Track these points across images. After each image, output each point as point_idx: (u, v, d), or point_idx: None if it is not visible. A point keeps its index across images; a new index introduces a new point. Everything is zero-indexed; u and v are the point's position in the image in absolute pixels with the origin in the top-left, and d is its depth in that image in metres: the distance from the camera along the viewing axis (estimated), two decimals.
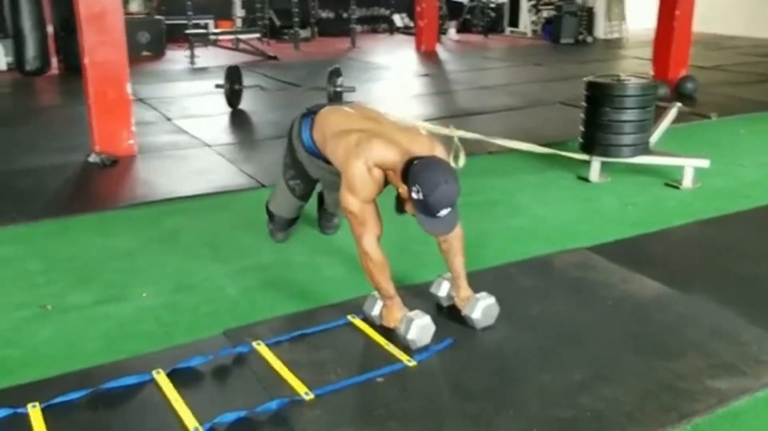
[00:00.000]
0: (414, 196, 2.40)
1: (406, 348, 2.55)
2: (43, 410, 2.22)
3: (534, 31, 14.30)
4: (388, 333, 2.65)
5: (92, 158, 5.03)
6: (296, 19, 12.64)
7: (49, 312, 2.92)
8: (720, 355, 2.52)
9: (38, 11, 6.10)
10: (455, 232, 2.70)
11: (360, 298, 2.87)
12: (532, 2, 14.46)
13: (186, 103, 7.51)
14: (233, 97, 7.01)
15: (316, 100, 8.13)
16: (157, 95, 7.76)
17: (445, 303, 2.87)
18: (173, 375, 2.40)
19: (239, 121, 6.79)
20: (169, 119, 6.59)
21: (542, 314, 2.84)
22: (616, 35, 13.92)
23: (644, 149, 4.53)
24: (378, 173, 2.54)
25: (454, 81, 9.26)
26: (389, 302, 2.64)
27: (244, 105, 7.13)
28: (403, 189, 2.47)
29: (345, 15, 13.93)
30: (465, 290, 2.77)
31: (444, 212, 2.40)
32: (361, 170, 2.53)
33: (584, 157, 4.61)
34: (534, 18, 14.46)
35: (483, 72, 9.94)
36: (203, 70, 10.10)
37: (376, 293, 2.70)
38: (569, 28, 12.98)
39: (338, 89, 6.67)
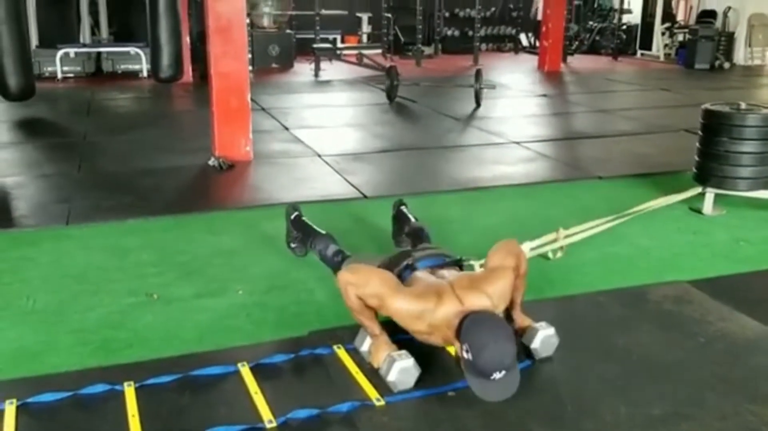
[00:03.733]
0: (464, 355, 2.28)
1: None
2: (136, 389, 2.39)
3: (667, 55, 13.77)
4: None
5: (211, 162, 5.36)
6: (419, 36, 12.83)
7: (155, 300, 3.15)
8: None
9: (174, 23, 6.58)
10: (522, 273, 2.64)
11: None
12: (666, 25, 13.94)
13: (304, 114, 7.82)
14: (392, 91, 8.43)
15: (461, 99, 8.35)
16: (279, 105, 8.13)
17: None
18: (256, 369, 2.52)
19: (352, 133, 7.00)
20: (286, 128, 6.90)
21: (627, 345, 2.75)
22: (757, 62, 13.16)
23: (765, 183, 4.27)
24: (421, 327, 2.45)
25: (574, 103, 9.09)
26: (376, 340, 2.55)
27: (361, 119, 7.33)
28: (457, 345, 2.34)
29: (470, 33, 14.00)
30: (522, 320, 2.70)
31: (498, 375, 2.24)
32: (413, 311, 2.42)
33: (696, 190, 4.39)
34: (668, 41, 13.92)
35: (605, 95, 9.70)
36: (326, 83, 10.48)
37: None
38: (705, 53, 12.37)
39: (482, 87, 8.20)
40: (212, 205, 4.64)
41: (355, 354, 2.63)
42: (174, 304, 3.12)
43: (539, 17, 13.68)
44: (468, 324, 2.31)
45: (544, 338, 2.61)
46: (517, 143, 6.38)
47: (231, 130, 5.50)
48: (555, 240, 3.69)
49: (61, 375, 2.51)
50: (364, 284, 2.50)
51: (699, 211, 4.38)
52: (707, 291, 3.22)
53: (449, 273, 2.70)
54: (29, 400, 2.31)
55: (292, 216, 3.64)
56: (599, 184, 5.07)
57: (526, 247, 3.82)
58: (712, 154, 4.30)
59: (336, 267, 3.19)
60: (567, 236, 3.74)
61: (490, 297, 2.47)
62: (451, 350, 2.50)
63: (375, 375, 2.48)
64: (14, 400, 2.30)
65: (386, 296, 2.47)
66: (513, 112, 8.19)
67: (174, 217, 4.27)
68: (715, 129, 4.28)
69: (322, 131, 6.87)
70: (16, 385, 2.42)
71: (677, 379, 2.51)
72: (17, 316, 2.99)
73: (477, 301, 2.44)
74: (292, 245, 3.62)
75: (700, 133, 4.44)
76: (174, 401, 2.38)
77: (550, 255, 3.71)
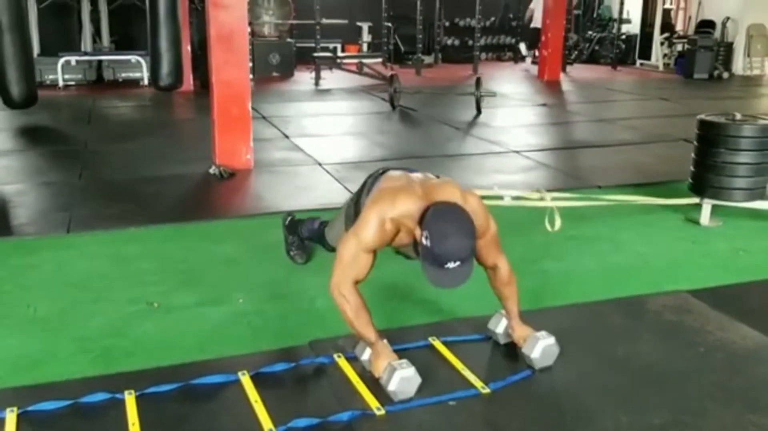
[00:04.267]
0: (423, 241, 2.29)
1: (481, 374, 2.56)
2: (137, 397, 2.39)
3: (666, 65, 13.81)
4: (465, 358, 2.66)
5: (212, 170, 5.37)
6: (419, 45, 12.88)
7: (155, 309, 3.15)
8: None
9: (174, 31, 6.60)
10: (504, 278, 2.63)
11: (448, 321, 2.91)
12: (665, 35, 13.99)
13: (305, 122, 7.85)
14: (394, 98, 8.57)
15: (461, 108, 8.40)
16: (279, 114, 8.16)
17: (502, 341, 2.77)
18: (257, 378, 2.52)
19: (352, 141, 7.01)
20: (287, 137, 6.92)
21: (628, 355, 2.75)
22: (756, 72, 13.20)
23: (761, 194, 4.27)
24: (391, 227, 2.43)
25: (573, 112, 9.12)
26: (375, 349, 2.51)
27: (361, 128, 7.35)
28: (417, 232, 2.35)
29: (470, 42, 14.05)
30: (522, 329, 2.67)
31: (451, 265, 2.26)
32: (375, 221, 2.42)
33: (693, 200, 4.39)
34: (666, 51, 13.97)
35: (604, 104, 9.73)
36: (327, 91, 10.51)
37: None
38: (704, 63, 12.42)
39: (482, 94, 8.29)
40: (213, 214, 4.65)
41: (355, 363, 2.63)
42: (175, 313, 3.12)
43: (534, 24, 13.69)
44: (432, 213, 2.30)
45: (544, 347, 2.60)
46: (517, 152, 6.40)
47: (232, 138, 5.51)
48: (541, 199, 3.69)
49: (62, 383, 2.51)
50: (344, 262, 2.46)
51: (696, 222, 4.37)
52: (707, 300, 3.23)
53: (425, 175, 2.67)
54: (30, 408, 2.31)
55: (287, 222, 3.65)
56: (599, 194, 5.07)
57: (507, 195, 3.90)
58: (707, 165, 4.29)
59: (322, 233, 3.31)
60: (553, 199, 3.76)
61: (465, 202, 2.46)
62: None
63: (376, 385, 2.48)
64: (15, 408, 2.30)
65: (355, 236, 2.45)
66: (513, 121, 8.22)
67: (175, 226, 4.28)
68: (711, 140, 4.28)
69: (322, 140, 6.89)
70: (17, 393, 2.43)
71: (678, 389, 2.52)
72: (18, 324, 3.00)
73: (446, 196, 2.43)
74: (292, 253, 3.63)
75: (695, 143, 4.45)
76: (174, 410, 2.38)
77: (548, 226, 3.70)
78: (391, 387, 2.41)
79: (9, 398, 2.37)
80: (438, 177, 2.70)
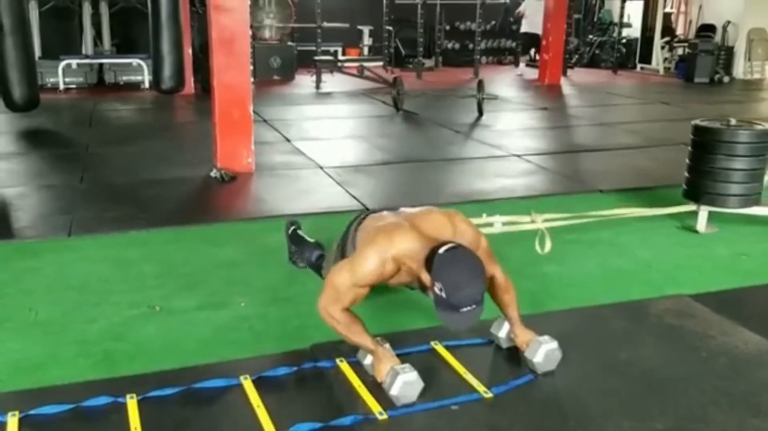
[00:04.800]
0: (437, 292, 2.28)
1: (483, 379, 2.55)
2: (139, 401, 2.39)
3: (667, 69, 13.82)
4: (467, 363, 2.66)
5: (213, 173, 5.37)
6: (420, 49, 12.89)
7: (157, 312, 3.15)
8: None
9: (176, 34, 6.60)
10: (502, 286, 2.64)
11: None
12: (666, 39, 14.00)
13: (306, 126, 7.85)
14: (398, 100, 8.69)
15: (462, 111, 8.42)
16: (280, 117, 8.16)
17: (504, 345, 2.78)
18: (258, 382, 2.52)
19: (353, 144, 7.01)
20: (288, 140, 6.92)
21: (630, 359, 2.75)
22: (756, 76, 13.21)
23: (757, 200, 4.24)
24: (392, 267, 2.43)
25: (574, 116, 9.12)
26: (374, 355, 2.52)
27: (362, 131, 7.36)
28: (426, 277, 2.33)
29: (470, 46, 14.06)
30: (525, 333, 2.67)
31: (467, 309, 2.27)
32: (375, 259, 2.42)
33: (690, 207, 4.34)
34: (667, 55, 13.98)
35: (605, 108, 9.73)
36: (327, 95, 10.52)
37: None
38: (704, 67, 12.43)
39: (484, 97, 8.38)
40: (214, 217, 4.65)
41: (357, 367, 2.62)
42: (176, 316, 3.12)
43: (523, 29, 13.62)
44: (441, 262, 2.28)
45: (547, 352, 2.60)
46: (518, 156, 6.40)
47: (233, 141, 5.51)
48: (532, 221, 3.67)
49: (64, 387, 2.51)
50: (335, 291, 2.47)
51: (691, 229, 4.31)
52: (709, 305, 3.22)
53: (405, 210, 2.71)
54: (32, 412, 2.31)
55: (290, 231, 3.65)
56: (600, 197, 5.08)
57: (498, 221, 3.88)
58: (703, 171, 4.24)
59: (318, 271, 3.28)
60: (545, 221, 3.73)
61: (453, 226, 2.51)
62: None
63: (378, 389, 2.47)
64: (17, 412, 2.30)
65: (350, 272, 2.44)
66: (514, 125, 8.22)
67: (176, 229, 4.27)
68: (706, 145, 4.23)
69: (323, 143, 6.89)
70: (19, 397, 2.42)
71: (680, 393, 2.52)
72: (19, 328, 2.99)
73: (438, 230, 2.47)
74: (295, 258, 3.62)
75: (690, 149, 4.39)
76: (176, 414, 2.38)
77: (538, 249, 3.70)
78: (394, 391, 2.41)
79: (10, 402, 2.37)
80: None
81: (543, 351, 2.59)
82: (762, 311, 3.29)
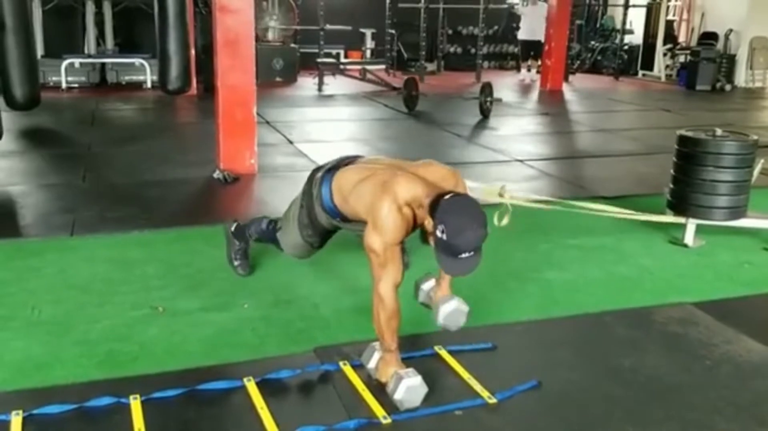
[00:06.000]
0: (438, 234, 2.30)
1: (487, 384, 2.55)
2: (142, 402, 2.39)
3: (668, 76, 13.85)
4: (471, 367, 2.66)
5: (216, 174, 5.37)
6: (422, 53, 12.90)
7: (160, 313, 3.14)
8: None
9: (183, 35, 6.60)
10: None
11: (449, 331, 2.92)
12: (668, 46, 14.03)
13: (308, 128, 7.85)
14: (409, 101, 8.90)
15: (464, 115, 8.43)
16: (283, 119, 8.16)
17: (420, 298, 2.89)
18: (262, 385, 2.52)
19: (356, 147, 6.99)
20: (290, 142, 6.92)
21: (634, 366, 2.75)
22: (758, 84, 13.25)
23: (743, 212, 4.17)
24: (408, 212, 2.43)
25: (575, 122, 9.13)
26: (388, 355, 2.51)
27: (365, 134, 7.36)
28: (429, 222, 2.36)
29: (473, 50, 14.08)
30: (443, 290, 2.77)
31: (465, 255, 2.30)
32: (391, 209, 2.41)
33: (679, 219, 4.24)
34: (669, 62, 14.01)
35: (607, 114, 9.75)
36: (330, 97, 10.53)
37: (375, 344, 2.59)
38: (706, 75, 12.46)
39: (488, 99, 8.53)
40: (217, 218, 4.61)
41: (361, 371, 2.62)
42: (179, 317, 3.12)
43: (520, 36, 13.58)
44: (446, 207, 2.31)
45: (450, 312, 2.68)
46: (521, 161, 6.41)
47: (236, 142, 5.51)
48: (500, 196, 3.68)
49: (67, 387, 2.51)
50: (380, 259, 2.43)
51: (677, 242, 4.22)
52: (712, 313, 3.23)
53: (393, 159, 2.83)
54: (35, 412, 2.31)
55: (233, 228, 3.57)
56: (601, 204, 5.05)
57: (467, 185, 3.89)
58: (688, 182, 4.15)
59: (274, 237, 3.29)
60: (512, 198, 3.72)
61: (456, 179, 2.59)
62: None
63: (382, 393, 2.47)
64: (20, 412, 2.30)
65: (380, 234, 2.42)
66: (516, 130, 8.23)
67: (179, 230, 4.27)
68: (692, 156, 4.14)
69: (326, 145, 6.88)
70: (22, 397, 2.42)
71: (684, 402, 2.52)
72: (23, 327, 2.99)
73: (442, 179, 2.54)
74: (236, 263, 3.54)
75: (675, 159, 4.28)
76: (180, 415, 2.38)
77: (495, 221, 3.69)
78: (398, 395, 2.40)
79: (14, 401, 2.37)
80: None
81: (445, 312, 2.68)
82: (765, 320, 3.29)
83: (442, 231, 2.28)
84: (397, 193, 2.43)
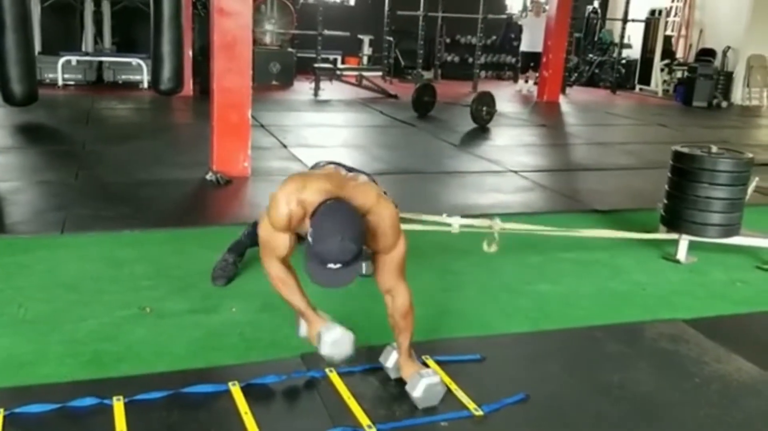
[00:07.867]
0: (308, 237, 2.22)
1: (474, 396, 2.53)
2: (125, 404, 2.36)
3: (665, 91, 13.91)
4: (458, 379, 2.64)
5: (209, 176, 5.35)
6: (420, 60, 12.92)
7: (147, 314, 3.11)
8: None
9: (177, 36, 6.60)
10: (401, 309, 2.48)
11: (442, 340, 2.89)
12: (666, 61, 14.09)
13: (303, 133, 7.84)
14: (420, 106, 9.24)
15: (460, 125, 8.43)
16: (278, 123, 8.15)
17: (392, 375, 2.60)
18: (247, 389, 2.49)
19: (350, 154, 6.99)
20: (284, 146, 6.91)
21: (623, 382, 2.73)
22: (755, 102, 13.31)
23: (737, 229, 4.16)
24: (297, 210, 2.34)
25: (571, 134, 9.15)
26: (305, 318, 2.53)
27: (360, 140, 7.35)
28: (307, 224, 2.30)
29: (470, 60, 14.11)
30: (408, 365, 2.53)
31: (332, 266, 2.18)
32: (282, 200, 2.36)
33: (672, 236, 4.23)
34: (666, 77, 14.07)
35: (603, 128, 9.77)
36: (326, 102, 10.52)
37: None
38: (703, 91, 12.51)
39: (484, 108, 8.61)
40: (209, 220, 4.62)
41: (347, 378, 2.60)
42: (167, 319, 3.09)
43: (525, 47, 13.59)
44: (321, 209, 2.24)
45: (427, 387, 2.44)
46: (515, 172, 6.40)
47: (230, 145, 5.49)
48: (489, 227, 3.70)
49: (51, 386, 2.47)
50: (262, 239, 2.48)
51: (669, 258, 4.21)
52: (703, 330, 3.22)
53: (353, 174, 2.70)
54: (17, 410, 2.28)
55: (232, 245, 3.59)
56: (596, 217, 5.07)
57: (456, 222, 3.88)
58: (683, 198, 4.13)
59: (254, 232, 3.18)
60: (502, 228, 3.74)
61: (377, 204, 2.39)
62: None
63: (367, 402, 2.46)
64: (2, 410, 2.27)
65: (268, 215, 2.44)
66: (512, 141, 8.24)
67: (170, 231, 4.24)
68: (686, 172, 4.12)
69: (320, 150, 6.86)
70: (5, 395, 2.39)
71: (673, 419, 2.50)
72: (8, 324, 2.95)
73: (359, 197, 2.36)
74: (216, 274, 3.50)
75: (669, 175, 4.26)
76: (163, 418, 2.34)
77: (485, 247, 3.71)
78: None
79: None
80: (371, 179, 2.75)
81: (423, 386, 2.43)
82: (755, 339, 3.28)
83: (310, 236, 2.21)
84: (296, 188, 2.36)
